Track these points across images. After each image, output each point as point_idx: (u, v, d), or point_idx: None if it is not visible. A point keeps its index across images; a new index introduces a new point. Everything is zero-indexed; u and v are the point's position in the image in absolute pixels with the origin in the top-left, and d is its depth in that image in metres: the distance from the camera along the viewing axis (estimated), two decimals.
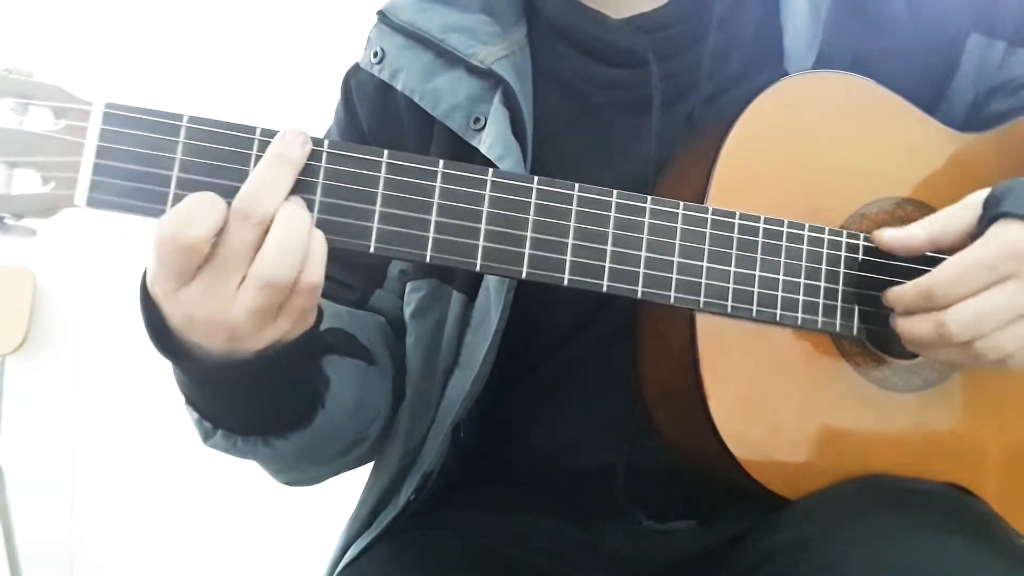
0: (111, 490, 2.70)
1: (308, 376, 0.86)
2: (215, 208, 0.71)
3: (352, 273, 1.01)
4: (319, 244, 0.74)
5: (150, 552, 2.69)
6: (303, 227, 0.73)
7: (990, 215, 0.80)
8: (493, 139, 0.92)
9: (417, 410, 0.99)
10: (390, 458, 0.99)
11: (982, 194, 0.82)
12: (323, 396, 0.88)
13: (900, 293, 0.83)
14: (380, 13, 1.01)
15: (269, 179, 0.72)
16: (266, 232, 0.72)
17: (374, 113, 1.02)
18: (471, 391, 0.93)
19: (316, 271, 0.73)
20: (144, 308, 0.76)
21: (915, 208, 0.90)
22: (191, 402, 0.84)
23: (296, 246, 0.72)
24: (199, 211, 0.71)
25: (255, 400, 0.82)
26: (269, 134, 0.74)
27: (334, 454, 0.96)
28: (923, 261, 0.88)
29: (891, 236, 0.85)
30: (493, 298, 0.92)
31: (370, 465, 1.05)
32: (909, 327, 0.82)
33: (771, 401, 0.86)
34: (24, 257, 2.59)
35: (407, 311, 0.99)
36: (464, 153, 0.93)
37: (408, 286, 0.99)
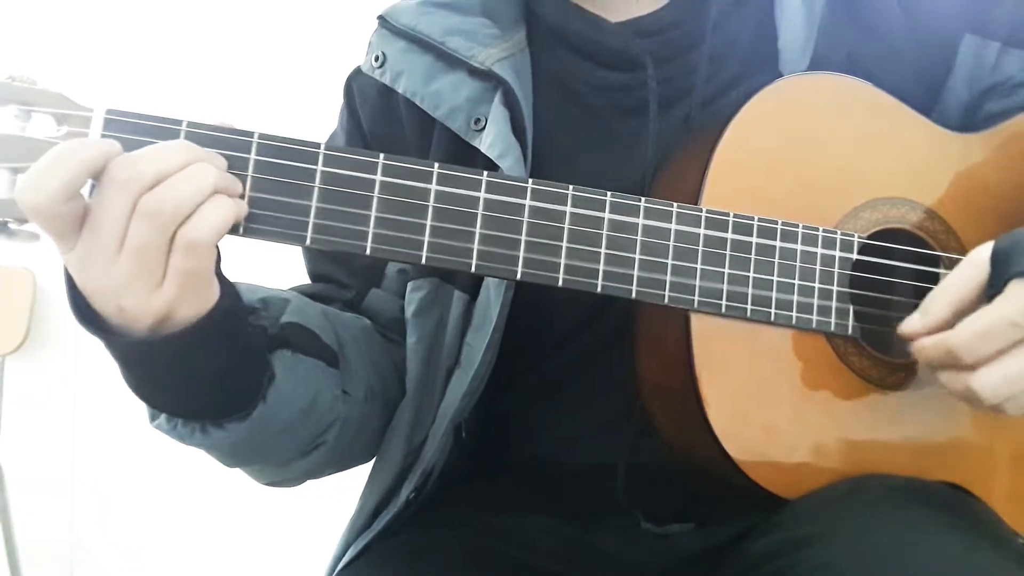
0: (111, 490, 2.70)
1: (248, 366, 0.84)
2: (65, 170, 0.69)
3: (349, 272, 1.01)
4: (221, 210, 0.72)
5: (150, 552, 2.69)
6: (206, 178, 0.71)
7: (1005, 276, 0.78)
8: (493, 138, 0.92)
9: (419, 409, 0.99)
10: (392, 457, 1.00)
11: (985, 251, 0.80)
12: (265, 389, 0.85)
13: (922, 349, 0.81)
14: (381, 18, 1.02)
15: (159, 149, 0.71)
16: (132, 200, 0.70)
17: (376, 117, 1.03)
18: (470, 390, 0.93)
19: (202, 229, 0.71)
20: (66, 276, 0.75)
21: (910, 208, 0.90)
22: (125, 380, 0.82)
23: (191, 189, 0.71)
24: (46, 174, 0.68)
25: (175, 380, 0.80)
26: (268, 138, 0.75)
27: (289, 455, 0.94)
28: (917, 260, 0.89)
29: (913, 326, 0.82)
30: (493, 297, 0.92)
31: (370, 465, 1.05)
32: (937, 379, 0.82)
33: (767, 401, 0.86)
34: (24, 257, 2.59)
35: (408, 310, 0.99)
36: (465, 154, 0.94)
37: (409, 285, 1.00)
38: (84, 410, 2.67)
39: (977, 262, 0.81)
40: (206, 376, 0.80)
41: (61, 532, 2.71)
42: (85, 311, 0.75)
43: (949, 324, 0.80)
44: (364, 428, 0.99)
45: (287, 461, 0.95)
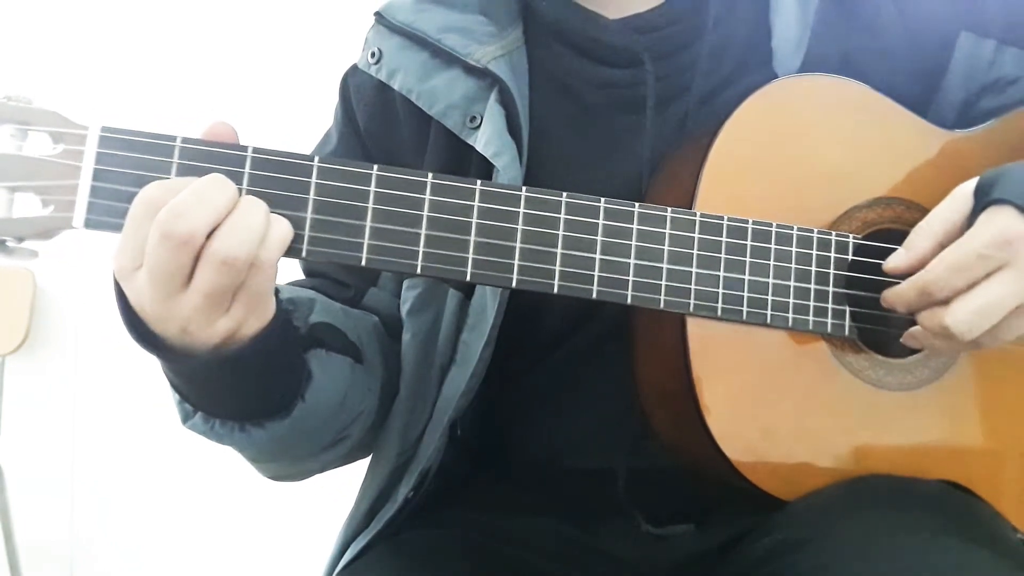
0: (111, 490, 2.70)
1: (289, 367, 0.86)
2: (220, 198, 0.71)
3: (346, 272, 1.01)
4: (279, 227, 0.74)
5: (150, 552, 2.69)
6: (260, 212, 0.73)
7: (982, 203, 0.79)
8: (488, 137, 0.92)
9: (413, 406, 0.99)
10: (387, 454, 1.00)
11: (970, 185, 0.82)
12: (304, 389, 0.87)
13: (899, 293, 0.83)
14: (378, 14, 1.02)
15: (199, 198, 0.71)
16: (194, 253, 0.71)
17: (372, 113, 1.03)
18: (468, 388, 0.94)
19: (271, 249, 0.73)
20: (115, 286, 0.76)
21: (905, 208, 0.90)
22: (172, 383, 0.83)
23: (256, 225, 0.72)
24: (203, 199, 0.71)
25: (228, 389, 0.82)
26: (262, 152, 0.75)
27: (314, 449, 0.95)
28: None
29: (897, 262, 0.83)
30: (489, 296, 0.92)
31: (366, 462, 1.05)
32: (912, 331, 0.83)
33: (764, 402, 0.86)
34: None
35: (404, 308, 1.00)
36: (460, 152, 0.94)
37: (405, 284, 1.00)
38: (84, 410, 2.67)
39: (961, 195, 0.82)
40: (258, 382, 0.82)
41: (61, 532, 2.71)
42: (142, 330, 0.76)
43: (931, 256, 0.81)
44: (379, 421, 1.00)
45: (310, 455, 0.96)
